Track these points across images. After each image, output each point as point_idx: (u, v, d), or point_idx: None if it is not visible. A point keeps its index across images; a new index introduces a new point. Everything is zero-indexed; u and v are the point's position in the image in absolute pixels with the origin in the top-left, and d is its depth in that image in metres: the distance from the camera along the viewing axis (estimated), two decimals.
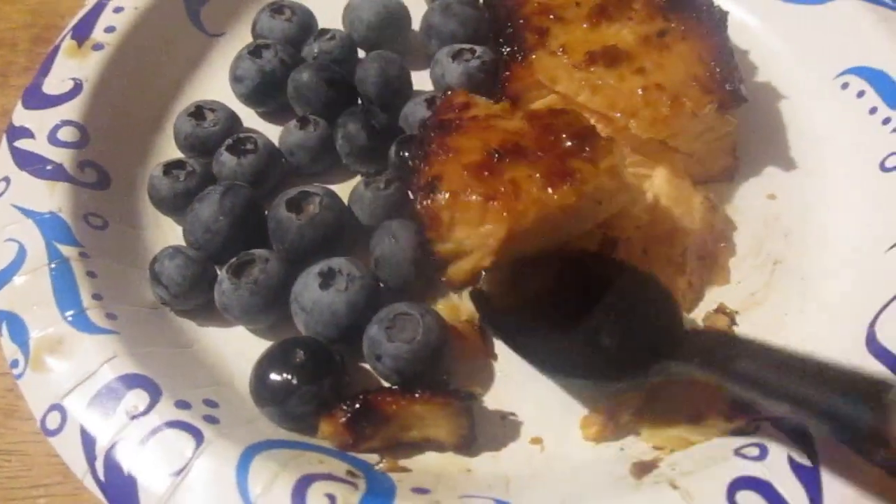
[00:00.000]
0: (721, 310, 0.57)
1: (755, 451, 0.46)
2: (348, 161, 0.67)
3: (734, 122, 0.64)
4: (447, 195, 0.53)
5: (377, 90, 0.68)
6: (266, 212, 0.62)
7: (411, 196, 0.56)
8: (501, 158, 0.53)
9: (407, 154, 0.61)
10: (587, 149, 0.53)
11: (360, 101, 0.70)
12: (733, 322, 0.57)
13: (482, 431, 0.53)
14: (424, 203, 0.53)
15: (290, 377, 0.51)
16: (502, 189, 0.52)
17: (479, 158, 0.54)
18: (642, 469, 0.48)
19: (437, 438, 0.52)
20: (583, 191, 0.52)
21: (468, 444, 0.52)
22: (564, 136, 0.54)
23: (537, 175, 0.52)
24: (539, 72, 0.63)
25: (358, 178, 0.67)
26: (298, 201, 0.60)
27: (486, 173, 0.53)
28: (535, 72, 0.63)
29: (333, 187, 0.64)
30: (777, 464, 0.45)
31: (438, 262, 0.55)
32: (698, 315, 0.58)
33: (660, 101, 0.60)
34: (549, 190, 0.51)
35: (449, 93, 0.63)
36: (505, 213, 0.51)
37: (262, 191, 0.65)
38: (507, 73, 0.64)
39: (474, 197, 0.52)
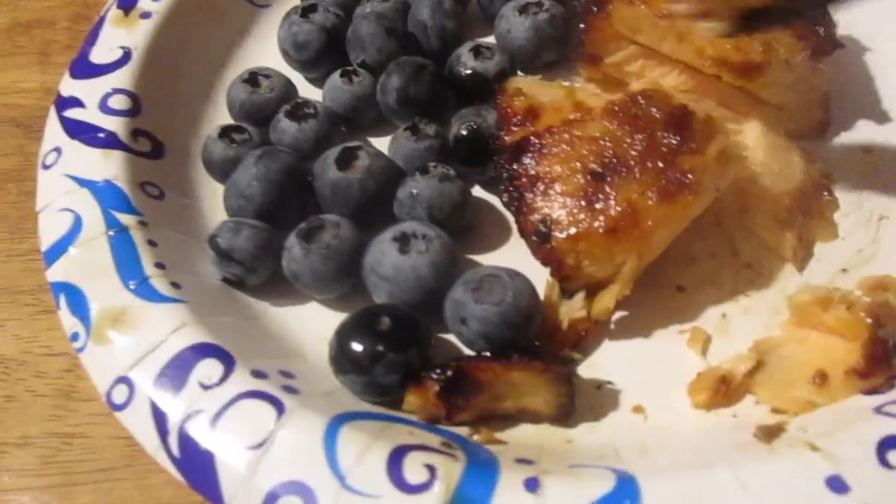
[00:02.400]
0: None
1: None
2: (387, 114, 0.64)
3: (826, 72, 0.60)
4: (563, 237, 0.49)
5: (433, 33, 0.66)
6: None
7: (525, 240, 0.52)
8: (602, 178, 0.50)
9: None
10: (689, 140, 0.49)
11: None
12: None
13: (578, 401, 0.48)
14: (543, 251, 0.50)
15: (375, 344, 0.47)
16: (619, 217, 0.48)
17: (580, 185, 0.50)
18: (769, 433, 0.43)
19: (534, 408, 0.47)
20: (701, 191, 0.49)
21: (568, 415, 0.48)
22: (659, 132, 0.50)
23: (650, 192, 0.48)
24: (618, 22, 0.59)
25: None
26: (345, 159, 0.57)
27: (595, 202, 0.49)
28: (613, 22, 0.59)
29: (378, 140, 0.63)
30: None
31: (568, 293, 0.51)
32: (813, 275, 0.54)
33: (751, 48, 0.56)
34: (668, 204, 0.48)
35: (498, 87, 0.59)
36: (632, 242, 0.48)
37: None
38: (583, 25, 0.60)
39: (593, 233, 0.49)
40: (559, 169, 0.51)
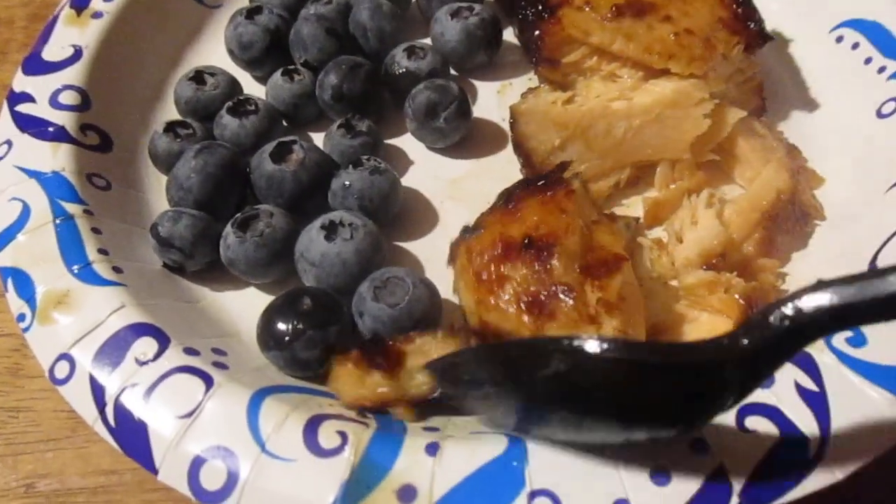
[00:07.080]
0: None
1: None
2: (325, 110, 0.68)
3: (758, 63, 0.65)
4: (463, 240, 0.54)
5: (372, 34, 0.70)
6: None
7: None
8: (525, 249, 0.51)
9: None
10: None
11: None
12: None
13: None
14: (456, 240, 0.55)
15: (296, 322, 0.51)
16: (492, 283, 0.51)
17: (514, 238, 0.52)
18: None
19: None
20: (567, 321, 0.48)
21: None
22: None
23: (523, 291, 0.50)
24: (569, 27, 0.63)
25: None
26: (280, 153, 0.60)
27: (496, 263, 0.51)
28: (565, 27, 0.64)
29: (318, 136, 0.67)
30: (784, 390, 0.45)
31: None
32: None
33: (693, 44, 0.61)
34: (524, 318, 0.49)
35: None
36: (476, 309, 0.51)
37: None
38: (538, 32, 0.65)
39: (470, 273, 0.52)
40: (525, 213, 0.53)
